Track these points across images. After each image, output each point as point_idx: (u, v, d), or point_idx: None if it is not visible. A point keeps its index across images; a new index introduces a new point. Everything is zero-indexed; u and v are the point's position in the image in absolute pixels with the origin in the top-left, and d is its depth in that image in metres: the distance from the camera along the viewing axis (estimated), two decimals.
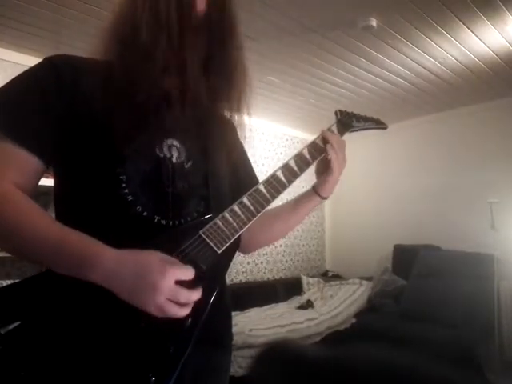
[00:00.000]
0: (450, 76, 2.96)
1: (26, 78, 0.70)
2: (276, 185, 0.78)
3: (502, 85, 3.12)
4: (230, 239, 0.70)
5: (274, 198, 0.77)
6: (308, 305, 3.38)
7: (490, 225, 2.85)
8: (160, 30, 0.69)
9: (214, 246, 0.68)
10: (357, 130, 0.99)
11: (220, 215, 0.71)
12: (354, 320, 3.15)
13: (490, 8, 2.10)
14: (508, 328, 2.89)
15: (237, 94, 0.80)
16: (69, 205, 0.72)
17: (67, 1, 2.06)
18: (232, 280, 3.67)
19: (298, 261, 4.36)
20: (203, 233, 0.68)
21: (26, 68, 0.71)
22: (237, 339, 2.43)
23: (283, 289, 3.83)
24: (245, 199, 0.74)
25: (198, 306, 0.63)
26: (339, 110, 0.97)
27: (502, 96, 3.34)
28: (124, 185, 0.68)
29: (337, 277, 4.27)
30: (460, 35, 2.39)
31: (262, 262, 3.98)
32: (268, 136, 4.18)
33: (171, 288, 0.58)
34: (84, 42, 2.51)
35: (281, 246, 4.17)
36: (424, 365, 2.23)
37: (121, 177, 0.68)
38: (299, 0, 2.06)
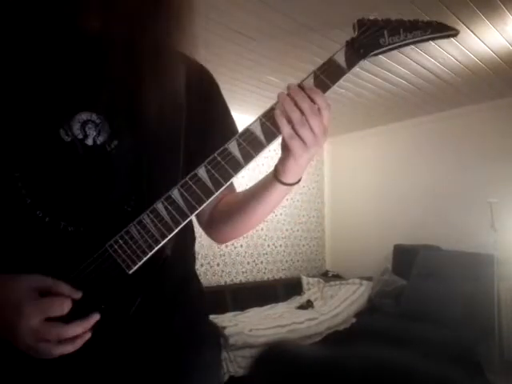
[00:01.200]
0: (450, 76, 2.96)
1: None
2: (224, 165, 0.54)
3: (502, 85, 3.12)
4: (145, 254, 0.52)
5: (219, 186, 0.54)
6: (308, 305, 3.38)
7: (490, 225, 2.85)
8: None
9: (122, 263, 0.52)
10: (390, 50, 0.60)
11: (137, 219, 0.53)
12: (354, 320, 3.15)
13: (490, 8, 2.10)
14: (508, 328, 2.89)
15: (179, 28, 0.59)
16: None
17: None
18: (232, 280, 3.67)
19: (297, 261, 4.36)
20: (110, 246, 0.52)
21: None
22: (237, 339, 2.43)
23: (283, 289, 3.83)
24: (175, 192, 0.53)
25: (95, 341, 0.50)
26: (358, 21, 0.61)
27: (502, 96, 3.34)
28: (20, 184, 0.53)
29: (337, 277, 4.27)
30: (460, 35, 2.38)
31: (262, 262, 3.98)
32: None
33: (35, 327, 0.46)
34: None
35: (281, 246, 4.17)
36: (424, 365, 2.23)
37: (16, 174, 0.53)
38: (299, 0, 2.06)
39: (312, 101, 0.53)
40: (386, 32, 0.60)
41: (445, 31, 0.61)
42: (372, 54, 0.59)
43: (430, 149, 3.84)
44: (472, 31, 2.33)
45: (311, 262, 4.52)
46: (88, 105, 0.54)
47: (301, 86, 0.54)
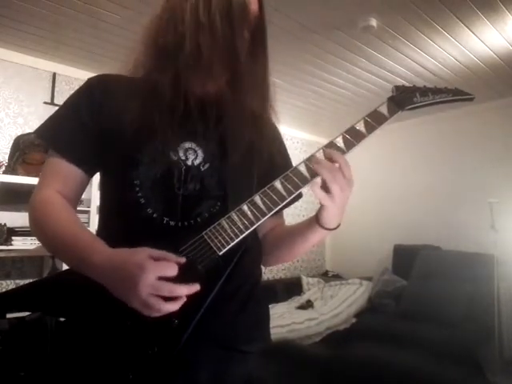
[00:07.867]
0: (450, 76, 2.96)
1: (69, 100, 0.80)
2: (295, 179, 0.71)
3: (501, 85, 3.12)
4: (233, 240, 0.66)
5: (290, 194, 0.70)
6: (308, 305, 3.38)
7: (490, 225, 2.85)
8: (208, 41, 0.70)
9: (214, 247, 0.66)
10: (421, 106, 0.79)
11: (226, 215, 0.68)
12: (354, 320, 3.15)
13: (490, 8, 2.10)
14: (508, 328, 2.88)
15: (262, 95, 0.81)
16: (101, 209, 0.81)
17: (67, 1, 2.06)
18: None
19: (297, 261, 4.35)
20: (205, 233, 0.67)
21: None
22: None
23: (283, 289, 3.83)
24: (256, 197, 0.69)
25: (190, 307, 0.61)
26: (396, 86, 0.80)
27: (502, 96, 3.34)
28: (138, 189, 0.73)
29: (337, 277, 4.27)
30: (460, 35, 2.39)
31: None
32: None
33: (152, 282, 0.57)
34: (83, 42, 2.51)
35: None
36: (424, 365, 2.23)
37: (135, 181, 0.73)
38: (299, 0, 2.06)
39: (333, 161, 0.69)
40: (418, 94, 0.79)
41: (463, 95, 0.80)
42: (408, 107, 0.77)
43: (430, 149, 3.84)
44: (472, 31, 2.33)
45: (311, 262, 4.52)
46: (190, 137, 0.76)
47: (325, 149, 0.72)
